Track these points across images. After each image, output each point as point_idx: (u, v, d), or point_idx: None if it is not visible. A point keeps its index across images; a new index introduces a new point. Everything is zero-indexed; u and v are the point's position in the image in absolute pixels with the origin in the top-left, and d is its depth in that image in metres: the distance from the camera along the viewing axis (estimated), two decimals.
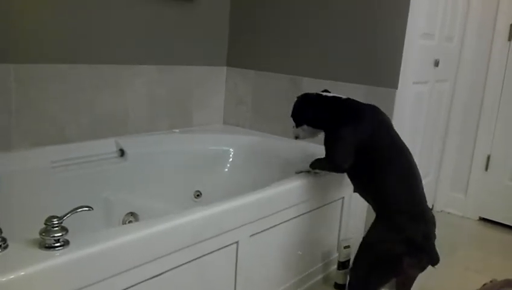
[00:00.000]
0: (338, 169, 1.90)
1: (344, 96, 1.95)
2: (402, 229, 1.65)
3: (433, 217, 1.73)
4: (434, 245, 1.67)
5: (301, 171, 1.99)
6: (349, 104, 1.91)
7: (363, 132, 1.80)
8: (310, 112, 1.94)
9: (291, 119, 2.02)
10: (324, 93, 1.97)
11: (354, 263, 1.79)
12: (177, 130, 2.60)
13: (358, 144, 1.78)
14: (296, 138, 2.04)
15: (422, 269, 1.71)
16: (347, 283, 1.87)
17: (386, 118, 1.89)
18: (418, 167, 1.81)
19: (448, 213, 3.36)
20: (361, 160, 1.78)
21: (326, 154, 1.89)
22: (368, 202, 1.88)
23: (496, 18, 3.09)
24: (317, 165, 1.95)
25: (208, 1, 2.66)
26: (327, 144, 1.88)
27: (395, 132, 1.86)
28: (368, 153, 1.78)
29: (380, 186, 1.76)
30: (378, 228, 1.74)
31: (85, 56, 2.14)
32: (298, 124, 1.99)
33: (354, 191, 1.94)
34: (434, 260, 1.66)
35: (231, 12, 2.84)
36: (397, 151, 1.80)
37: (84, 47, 2.13)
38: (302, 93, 2.04)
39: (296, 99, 2.02)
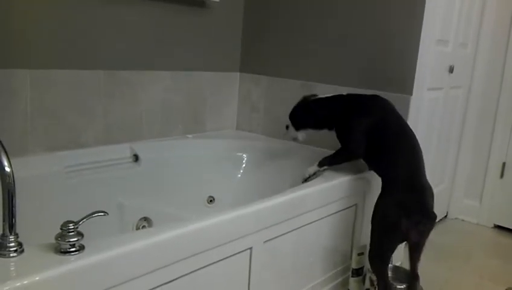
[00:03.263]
0: (355, 156, 2.07)
1: (344, 93, 2.16)
2: (398, 197, 1.86)
3: (431, 189, 1.90)
4: (428, 206, 1.85)
5: (308, 178, 2.09)
6: (354, 98, 2.12)
7: (372, 119, 2.01)
8: (315, 116, 2.16)
9: (290, 122, 2.21)
10: (323, 96, 2.17)
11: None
12: (190, 136, 2.60)
13: (368, 131, 1.99)
14: (294, 139, 2.23)
15: (422, 233, 1.87)
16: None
17: (389, 105, 2.09)
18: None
19: (463, 221, 3.34)
20: (372, 142, 1.99)
21: (342, 145, 2.08)
22: (379, 176, 2.03)
23: (510, 24, 3.07)
24: (329, 160, 2.09)
25: (221, 7, 2.67)
26: (341, 136, 2.09)
27: (399, 115, 2.06)
28: (377, 135, 1.99)
29: (385, 162, 1.98)
30: (379, 198, 1.94)
31: (100, 62, 2.15)
32: (300, 127, 2.20)
33: (369, 169, 2.14)
34: (430, 217, 1.83)
35: (244, 18, 2.84)
36: (401, 134, 2.00)
37: (100, 53, 2.15)
38: (301, 98, 2.22)
39: (297, 104, 2.21)
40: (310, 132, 2.19)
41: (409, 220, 1.81)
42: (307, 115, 2.16)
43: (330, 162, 2.08)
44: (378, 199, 1.94)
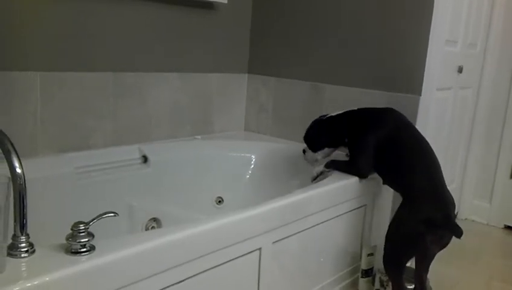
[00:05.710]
0: (361, 174, 2.05)
1: (355, 108, 2.13)
2: (422, 211, 1.83)
3: (452, 199, 1.88)
4: (455, 222, 1.81)
5: (317, 177, 2.11)
6: (366, 113, 2.11)
7: (384, 134, 1.99)
8: (329, 134, 2.15)
9: (306, 145, 2.21)
10: (334, 113, 2.16)
11: (385, 241, 1.93)
12: (199, 137, 2.61)
13: (381, 145, 1.98)
14: (316, 161, 2.20)
15: (444, 245, 1.88)
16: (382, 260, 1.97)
17: (403, 118, 2.07)
18: (442, 174, 1.93)
19: (473, 221, 3.32)
20: (387, 156, 1.98)
21: (351, 161, 2.07)
22: (396, 190, 2.04)
23: None
24: (335, 166, 2.09)
25: (229, 8, 2.68)
26: (352, 151, 2.07)
27: (414, 127, 2.06)
28: (391, 149, 1.97)
29: (405, 176, 1.93)
30: (402, 210, 1.90)
31: (109, 64, 2.16)
32: (317, 148, 2.18)
33: (383, 183, 2.07)
34: (458, 233, 1.76)
35: (252, 19, 2.85)
36: (418, 145, 1.97)
37: (109, 55, 2.16)
38: (313, 121, 2.21)
39: (310, 126, 2.20)
40: (327, 151, 2.18)
41: (433, 235, 1.81)
42: (320, 134, 2.16)
43: (336, 168, 2.08)
44: (401, 211, 1.90)
